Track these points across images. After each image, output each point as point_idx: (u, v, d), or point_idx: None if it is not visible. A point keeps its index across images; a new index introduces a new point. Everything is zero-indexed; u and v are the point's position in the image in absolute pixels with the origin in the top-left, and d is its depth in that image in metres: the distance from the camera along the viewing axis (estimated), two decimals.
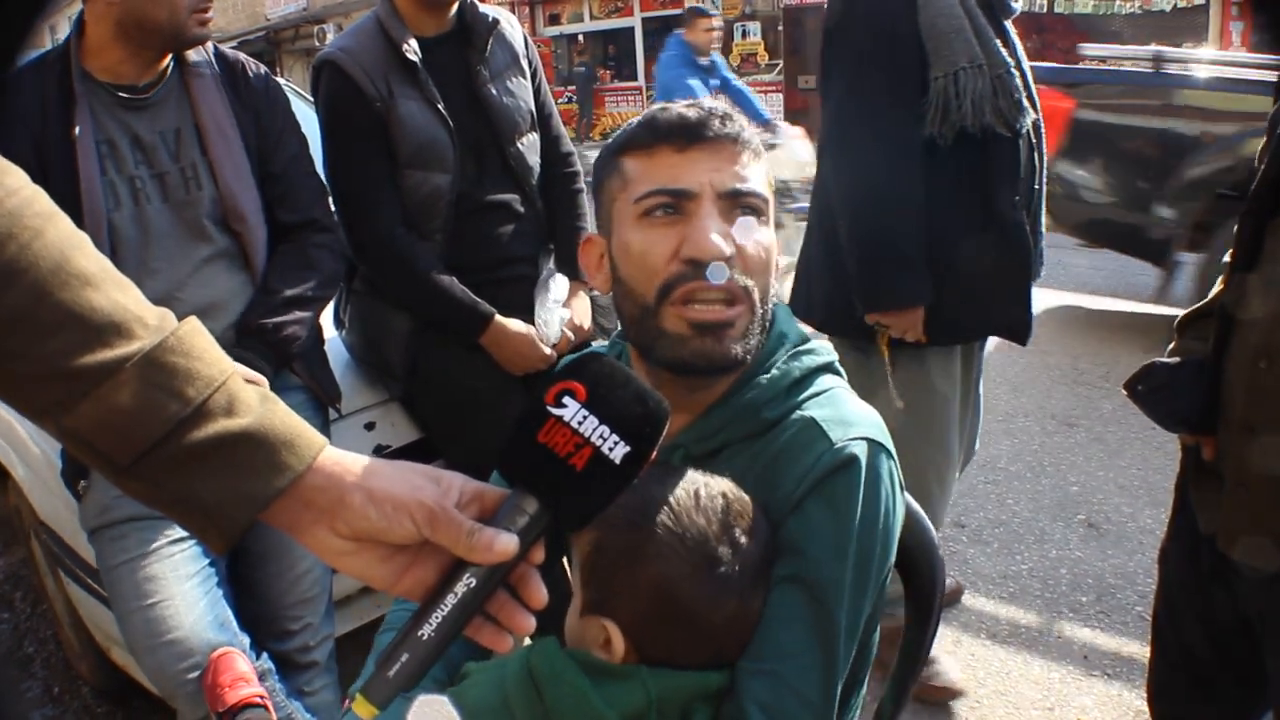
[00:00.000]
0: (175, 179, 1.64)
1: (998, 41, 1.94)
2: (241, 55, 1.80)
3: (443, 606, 0.61)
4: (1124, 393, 1.38)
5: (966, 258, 1.95)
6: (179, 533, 1.57)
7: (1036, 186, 2.04)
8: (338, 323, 2.19)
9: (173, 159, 1.64)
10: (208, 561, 1.61)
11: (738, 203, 0.95)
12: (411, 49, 1.89)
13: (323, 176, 1.87)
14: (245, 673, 1.48)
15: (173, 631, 1.50)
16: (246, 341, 1.63)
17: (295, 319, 1.67)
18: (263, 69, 1.82)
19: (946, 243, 1.94)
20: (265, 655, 1.60)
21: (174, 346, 0.60)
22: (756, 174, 0.98)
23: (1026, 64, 2.03)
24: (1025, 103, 1.94)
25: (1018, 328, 2.07)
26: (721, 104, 1.00)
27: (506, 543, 0.61)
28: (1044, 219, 2.11)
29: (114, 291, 0.61)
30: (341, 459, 0.63)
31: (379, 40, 1.91)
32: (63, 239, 0.61)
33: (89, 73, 1.60)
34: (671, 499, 0.86)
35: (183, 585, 1.54)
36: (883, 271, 1.94)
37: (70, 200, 1.52)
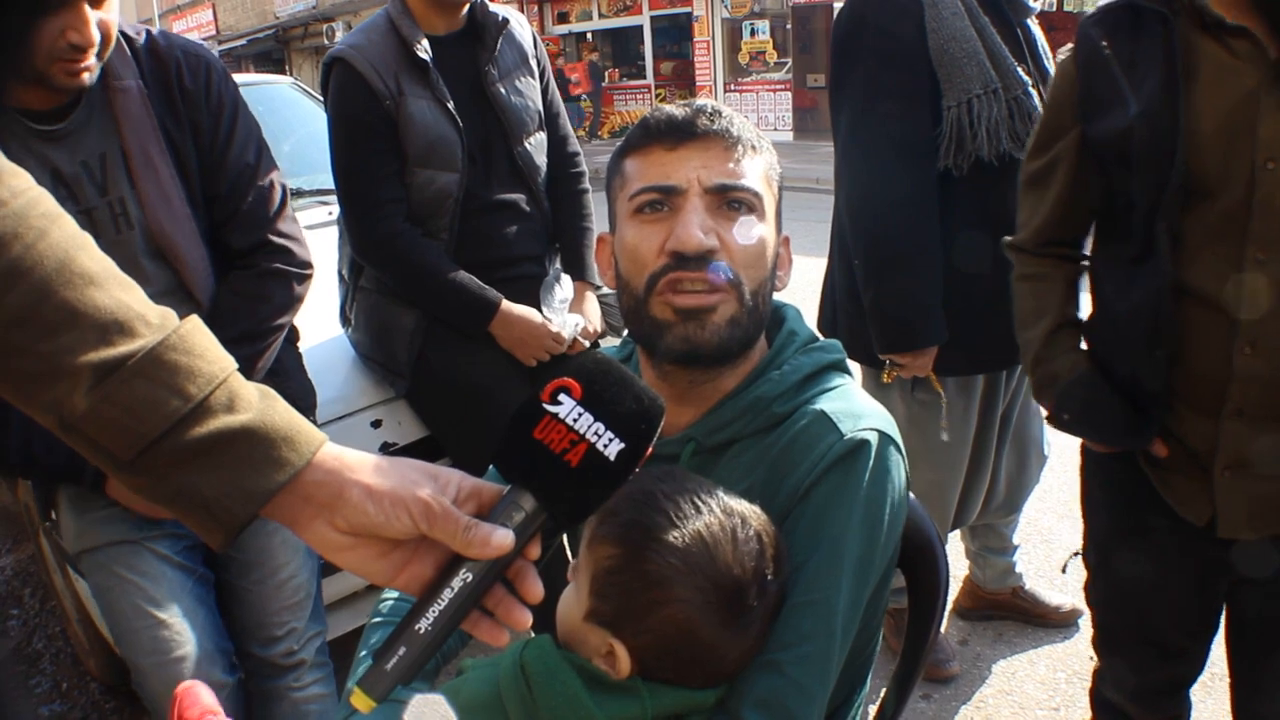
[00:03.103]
0: (104, 216, 1.44)
1: (1012, 60, 1.82)
2: (176, 49, 1.50)
3: (439, 601, 0.61)
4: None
5: (986, 289, 1.85)
6: (164, 550, 1.56)
7: None
8: (344, 320, 2.20)
9: (100, 192, 1.44)
10: (197, 575, 1.60)
11: (726, 198, 0.96)
12: (423, 48, 1.90)
13: (282, 177, 1.69)
14: (211, 705, 1.44)
15: (182, 647, 1.51)
16: None
17: (243, 354, 1.53)
18: (203, 63, 1.52)
19: (965, 273, 1.86)
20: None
21: (176, 344, 0.61)
22: (751, 170, 0.98)
23: (1051, 65, 1.93)
24: None
25: None
26: (711, 102, 1.02)
27: (502, 538, 0.61)
28: None
29: (117, 290, 0.62)
30: (341, 455, 0.63)
31: (390, 38, 1.91)
32: (67, 239, 0.61)
33: (3, 104, 1.39)
34: (707, 535, 0.83)
35: (184, 603, 1.54)
36: (900, 314, 1.87)
37: None
